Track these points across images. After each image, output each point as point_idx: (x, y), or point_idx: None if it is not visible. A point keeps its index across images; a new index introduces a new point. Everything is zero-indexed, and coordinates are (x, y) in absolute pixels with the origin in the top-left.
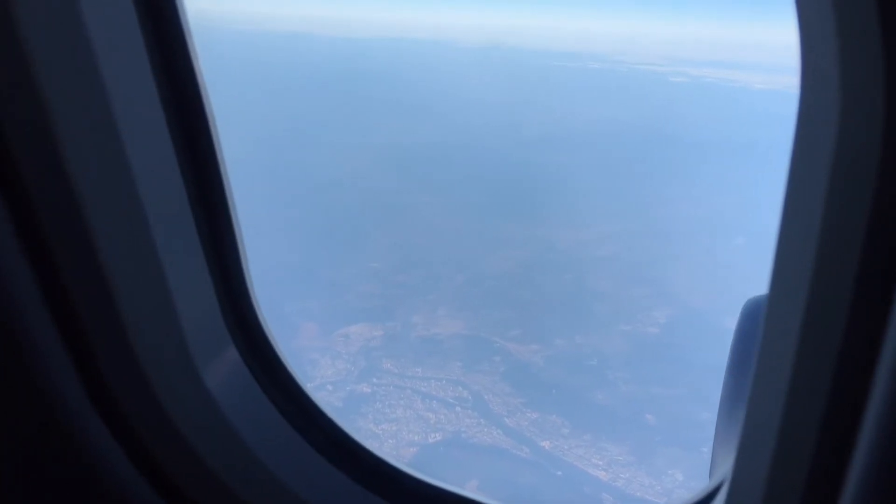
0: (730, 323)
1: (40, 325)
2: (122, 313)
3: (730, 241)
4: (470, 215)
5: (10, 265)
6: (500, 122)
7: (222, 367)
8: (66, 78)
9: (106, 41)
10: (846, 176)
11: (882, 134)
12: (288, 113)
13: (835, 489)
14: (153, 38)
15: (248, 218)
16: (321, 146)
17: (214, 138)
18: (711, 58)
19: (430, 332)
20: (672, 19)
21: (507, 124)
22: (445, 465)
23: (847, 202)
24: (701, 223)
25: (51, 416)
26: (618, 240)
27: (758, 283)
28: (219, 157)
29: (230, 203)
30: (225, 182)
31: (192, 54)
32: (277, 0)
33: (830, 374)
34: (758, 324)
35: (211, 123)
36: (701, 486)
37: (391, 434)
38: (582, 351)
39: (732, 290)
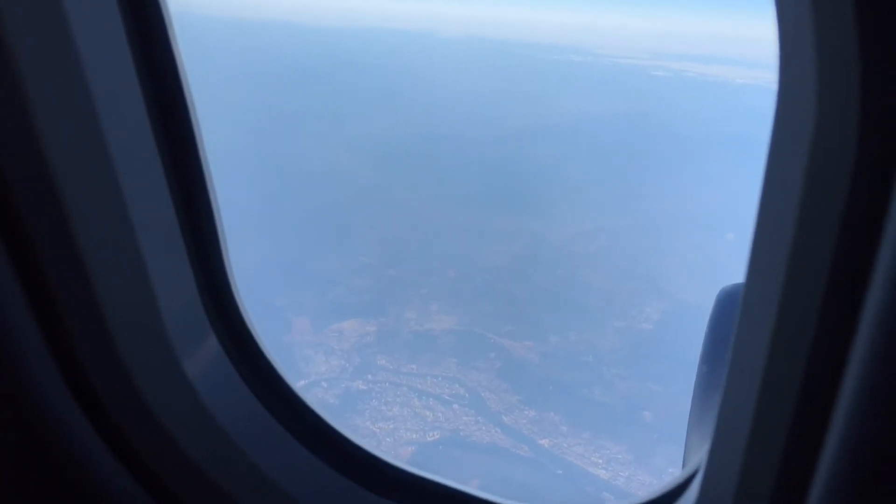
0: None
1: (18, 311)
2: (102, 302)
3: (720, 236)
4: (458, 208)
5: None
6: (486, 114)
7: (202, 356)
8: (47, 71)
9: (88, 33)
10: (821, 173)
11: (856, 134)
12: (268, 104)
13: (806, 477)
14: (135, 30)
15: (233, 212)
16: (304, 138)
17: (196, 129)
18: (690, 52)
19: (423, 328)
20: (645, 12)
21: (493, 116)
22: (445, 464)
23: (821, 198)
24: (689, 218)
25: (28, 405)
26: (607, 234)
27: None
28: (200, 147)
29: (211, 192)
30: (206, 171)
31: (175, 47)
32: None
33: (803, 365)
34: (731, 312)
35: (193, 115)
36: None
37: (389, 432)
38: (577, 347)
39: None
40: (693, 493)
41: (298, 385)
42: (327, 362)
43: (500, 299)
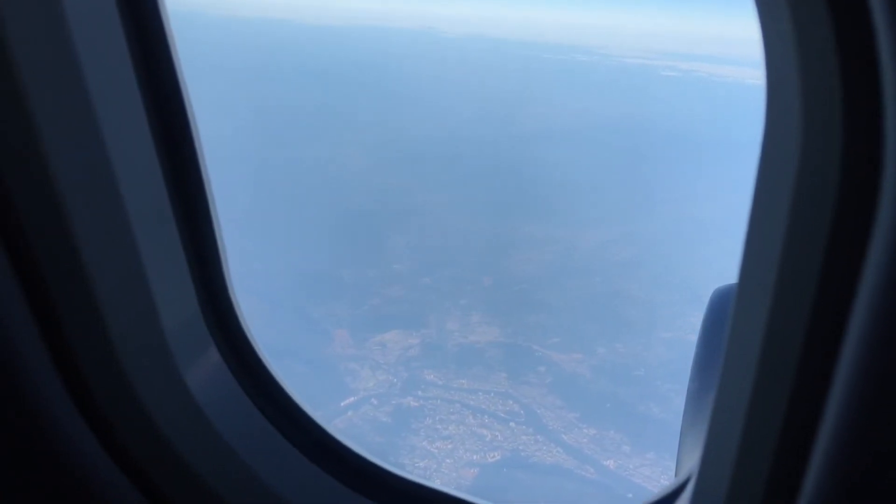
0: None
1: (20, 323)
2: (104, 315)
3: None
4: (481, 213)
5: None
6: (495, 115)
7: (203, 368)
8: (48, 78)
9: (88, 38)
10: (810, 172)
11: (842, 131)
12: (275, 105)
13: (796, 483)
14: (135, 38)
15: (252, 220)
16: (317, 142)
17: (195, 138)
18: (698, 52)
19: (467, 340)
20: (650, 12)
21: (503, 117)
22: (510, 487)
23: (811, 197)
24: (716, 223)
25: (31, 417)
26: (636, 240)
27: None
28: (199, 157)
29: (210, 203)
30: (205, 182)
31: (174, 54)
32: None
33: (793, 371)
34: (724, 315)
35: (192, 123)
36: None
37: (447, 453)
38: (626, 360)
39: None
40: (685, 501)
41: (347, 402)
42: (374, 377)
43: (539, 309)
